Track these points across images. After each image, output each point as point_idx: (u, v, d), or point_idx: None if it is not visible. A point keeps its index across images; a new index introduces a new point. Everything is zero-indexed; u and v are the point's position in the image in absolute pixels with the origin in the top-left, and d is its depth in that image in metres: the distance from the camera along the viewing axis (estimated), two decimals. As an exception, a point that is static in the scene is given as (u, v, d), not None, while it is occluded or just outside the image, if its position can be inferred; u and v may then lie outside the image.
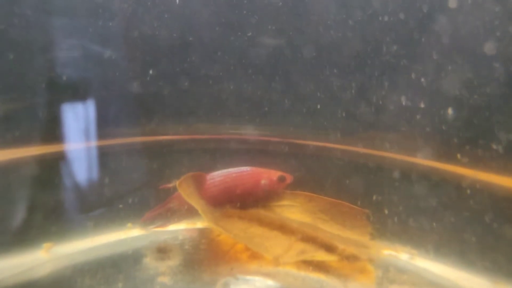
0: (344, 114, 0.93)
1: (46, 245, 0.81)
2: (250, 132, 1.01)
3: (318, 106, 0.95)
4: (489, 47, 0.73)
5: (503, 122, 0.72)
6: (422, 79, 0.80)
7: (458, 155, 0.72)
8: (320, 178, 0.95)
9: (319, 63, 0.94)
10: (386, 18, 0.85)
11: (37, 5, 0.81)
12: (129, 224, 0.90)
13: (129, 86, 0.93)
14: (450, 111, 0.76)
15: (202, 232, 0.90)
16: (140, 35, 0.90)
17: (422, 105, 0.79)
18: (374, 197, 0.87)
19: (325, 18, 0.90)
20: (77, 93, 0.88)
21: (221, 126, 1.01)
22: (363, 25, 0.88)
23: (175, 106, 0.99)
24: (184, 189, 0.83)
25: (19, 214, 0.80)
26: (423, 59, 0.81)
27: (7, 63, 0.81)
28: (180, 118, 1.01)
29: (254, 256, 0.78)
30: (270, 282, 0.72)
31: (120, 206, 0.90)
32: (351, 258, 0.75)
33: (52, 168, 0.88)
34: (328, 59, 0.93)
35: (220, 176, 0.92)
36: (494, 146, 0.72)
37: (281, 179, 0.92)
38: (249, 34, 0.93)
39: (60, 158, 0.88)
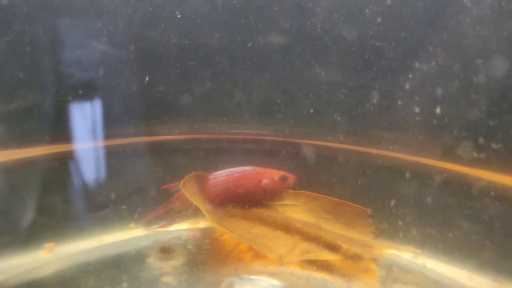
0: (346, 114, 0.93)
1: (48, 245, 0.81)
2: (252, 132, 1.01)
3: (319, 106, 0.95)
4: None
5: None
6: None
7: (474, 154, 0.72)
8: (322, 177, 0.95)
9: (320, 62, 0.94)
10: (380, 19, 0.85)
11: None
12: (132, 225, 0.90)
13: (130, 87, 0.93)
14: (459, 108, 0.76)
15: (205, 232, 0.90)
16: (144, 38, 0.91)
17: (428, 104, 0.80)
18: (377, 197, 0.88)
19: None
20: (79, 94, 0.88)
21: (223, 126, 1.01)
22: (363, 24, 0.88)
23: (177, 107, 0.99)
24: (187, 189, 0.83)
25: (23, 214, 0.80)
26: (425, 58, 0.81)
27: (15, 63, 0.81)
28: (181, 118, 1.01)
29: (258, 256, 0.78)
30: (274, 281, 0.72)
31: (123, 206, 0.90)
32: (355, 258, 0.75)
33: (53, 169, 0.88)
34: (329, 58, 0.94)
35: (222, 176, 0.92)
36: (495, 146, 0.72)
37: (283, 179, 0.92)
38: (249, 36, 0.93)
39: (61, 159, 0.88)
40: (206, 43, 0.94)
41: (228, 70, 0.97)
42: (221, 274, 0.73)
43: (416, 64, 0.81)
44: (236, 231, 0.82)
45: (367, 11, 0.86)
